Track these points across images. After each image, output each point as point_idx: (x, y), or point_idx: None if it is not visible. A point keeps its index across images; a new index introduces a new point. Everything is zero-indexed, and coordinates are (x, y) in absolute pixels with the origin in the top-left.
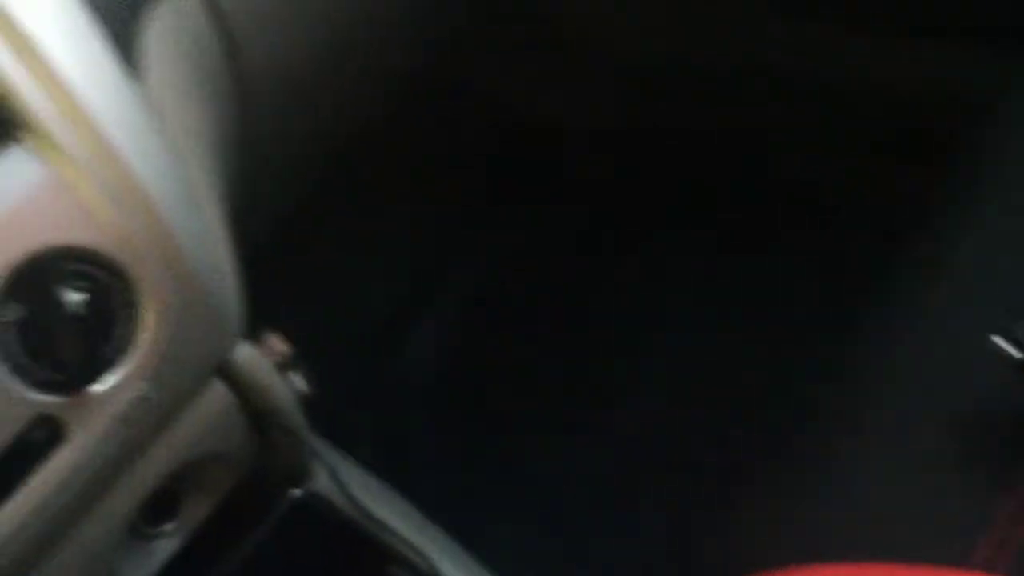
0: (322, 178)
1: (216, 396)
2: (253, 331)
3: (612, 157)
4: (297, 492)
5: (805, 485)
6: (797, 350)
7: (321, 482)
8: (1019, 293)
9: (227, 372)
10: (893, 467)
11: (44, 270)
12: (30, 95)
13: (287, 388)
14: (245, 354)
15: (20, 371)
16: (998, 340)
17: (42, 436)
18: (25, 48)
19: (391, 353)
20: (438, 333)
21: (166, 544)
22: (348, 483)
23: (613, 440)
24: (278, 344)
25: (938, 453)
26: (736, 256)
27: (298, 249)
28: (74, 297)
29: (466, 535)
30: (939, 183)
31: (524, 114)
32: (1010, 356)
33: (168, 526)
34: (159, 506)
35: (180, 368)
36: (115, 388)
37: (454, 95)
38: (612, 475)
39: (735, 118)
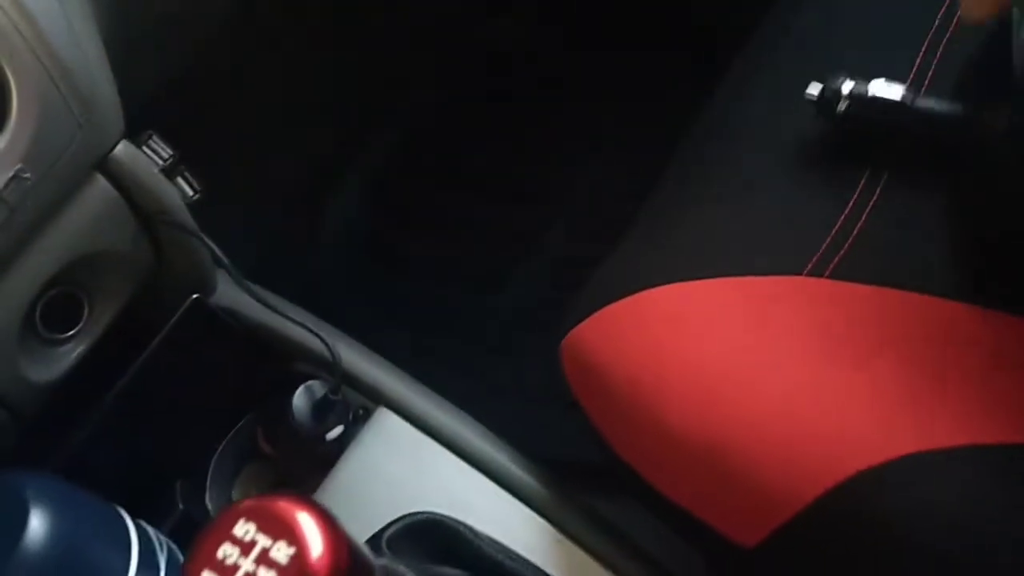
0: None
1: (99, 191)
2: (137, 135)
3: None
4: (198, 295)
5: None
6: None
7: (224, 286)
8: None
9: (109, 169)
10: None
11: None
12: None
13: (171, 188)
14: (127, 153)
15: None
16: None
17: None
18: None
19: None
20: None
21: (73, 347)
22: (253, 289)
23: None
24: (161, 147)
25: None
26: None
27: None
28: None
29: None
30: None
31: None
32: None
33: (73, 331)
34: (66, 315)
35: (53, 151)
36: None
37: None
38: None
39: None
